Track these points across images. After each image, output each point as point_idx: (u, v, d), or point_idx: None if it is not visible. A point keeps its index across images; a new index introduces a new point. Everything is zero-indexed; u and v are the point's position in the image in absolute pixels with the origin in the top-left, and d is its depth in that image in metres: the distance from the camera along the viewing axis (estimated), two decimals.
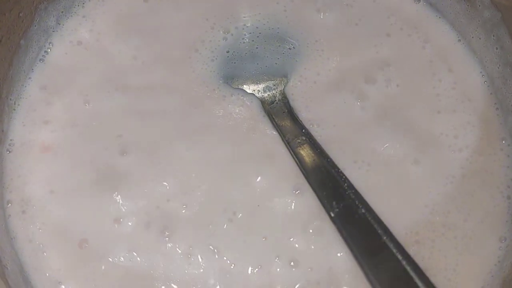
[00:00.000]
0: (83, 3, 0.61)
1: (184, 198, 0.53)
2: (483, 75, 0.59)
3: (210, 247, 0.52)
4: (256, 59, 0.59)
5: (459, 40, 0.61)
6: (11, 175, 0.54)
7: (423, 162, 0.55)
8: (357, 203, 0.50)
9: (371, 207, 0.50)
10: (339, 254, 0.51)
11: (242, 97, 0.57)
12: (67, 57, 0.59)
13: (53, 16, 0.59)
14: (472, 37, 0.60)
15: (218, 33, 0.60)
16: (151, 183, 0.54)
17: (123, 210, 0.53)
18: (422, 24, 0.61)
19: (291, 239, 0.52)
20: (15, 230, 0.53)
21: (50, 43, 0.59)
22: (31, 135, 0.56)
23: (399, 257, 0.47)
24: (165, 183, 0.54)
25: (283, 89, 0.58)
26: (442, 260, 0.52)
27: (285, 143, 0.55)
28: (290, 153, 0.54)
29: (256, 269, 0.51)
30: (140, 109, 0.56)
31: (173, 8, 0.61)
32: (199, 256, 0.52)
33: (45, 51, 0.59)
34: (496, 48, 0.58)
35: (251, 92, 0.58)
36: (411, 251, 0.50)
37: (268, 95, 0.58)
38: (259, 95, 0.58)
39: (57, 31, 0.60)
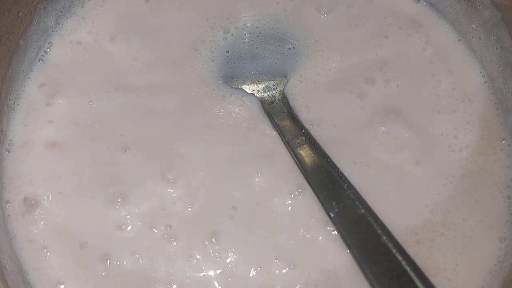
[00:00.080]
0: (83, 3, 0.61)
1: (185, 199, 0.53)
2: (483, 75, 0.59)
3: (211, 249, 0.52)
4: (255, 59, 0.59)
5: (459, 40, 0.61)
6: (10, 175, 0.54)
7: (423, 162, 0.55)
8: (356, 203, 0.50)
9: (371, 207, 0.50)
10: (338, 255, 0.51)
11: (241, 97, 0.57)
12: (67, 57, 0.59)
13: (52, 16, 0.59)
14: (472, 37, 0.60)
15: (218, 33, 0.60)
16: (152, 184, 0.54)
17: (125, 211, 0.53)
18: (422, 24, 0.61)
19: (291, 240, 0.52)
20: (15, 230, 0.52)
21: (49, 43, 0.59)
22: (30, 135, 0.55)
23: (399, 257, 0.47)
24: (165, 183, 0.54)
25: (283, 89, 0.58)
26: (442, 260, 0.52)
27: (284, 143, 0.55)
28: (290, 153, 0.54)
29: (256, 270, 0.51)
30: (140, 109, 0.56)
31: (173, 8, 0.61)
32: (200, 258, 0.51)
33: (44, 51, 0.59)
34: (496, 48, 0.58)
35: (250, 92, 0.58)
36: (411, 251, 0.50)
37: (268, 95, 0.58)
38: (258, 95, 0.57)
39: (56, 31, 0.60)
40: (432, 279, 0.47)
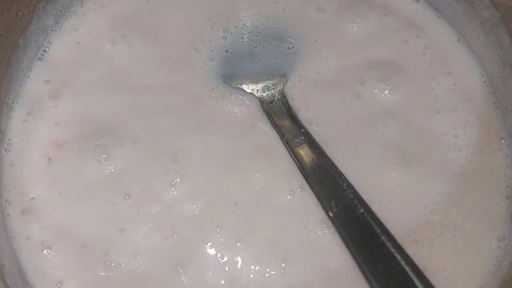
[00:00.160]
0: (82, 2, 0.61)
1: (187, 198, 0.53)
2: (482, 74, 0.59)
3: (211, 249, 0.52)
4: (255, 59, 0.59)
5: (459, 40, 0.61)
6: (10, 175, 0.54)
7: (422, 161, 0.55)
8: (355, 202, 0.50)
9: (370, 206, 0.50)
10: (337, 254, 0.51)
11: (241, 97, 0.57)
12: (66, 56, 0.59)
13: (52, 16, 0.59)
14: (472, 37, 0.60)
15: (217, 32, 0.60)
16: (153, 184, 0.53)
17: (125, 210, 0.53)
18: (421, 24, 0.61)
19: (290, 239, 0.52)
20: (14, 230, 0.52)
21: (48, 42, 0.59)
22: (29, 134, 0.55)
23: (398, 256, 0.47)
24: (167, 183, 0.53)
25: (282, 88, 0.58)
26: (441, 259, 0.52)
27: (284, 143, 0.55)
28: (289, 152, 0.54)
29: (256, 269, 0.51)
30: (140, 109, 0.56)
31: (173, 8, 0.61)
32: (201, 260, 0.51)
33: (43, 50, 0.59)
34: (495, 48, 0.58)
35: (250, 91, 0.58)
36: (410, 250, 0.50)
37: (267, 94, 0.58)
38: (258, 94, 0.57)
39: (55, 30, 0.60)
40: (431, 278, 0.47)
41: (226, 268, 0.51)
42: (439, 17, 0.62)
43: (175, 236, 0.52)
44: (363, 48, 0.60)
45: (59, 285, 0.51)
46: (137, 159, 0.54)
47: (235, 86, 0.58)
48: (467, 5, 0.59)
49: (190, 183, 0.54)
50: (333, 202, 0.51)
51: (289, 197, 0.53)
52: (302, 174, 0.53)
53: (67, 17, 0.60)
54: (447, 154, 0.56)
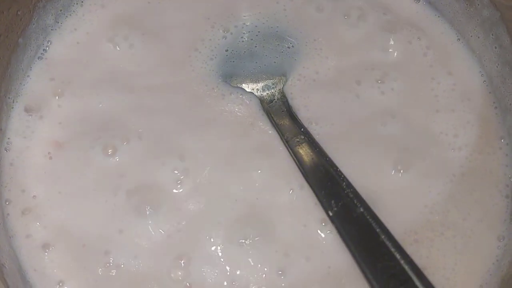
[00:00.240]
0: (82, 2, 0.61)
1: (188, 198, 0.53)
2: (482, 74, 0.59)
3: (212, 248, 0.52)
4: (255, 58, 0.59)
5: (458, 39, 0.61)
6: (10, 174, 0.54)
7: (422, 161, 0.55)
8: (355, 202, 0.50)
9: (369, 206, 0.50)
10: (337, 253, 0.51)
11: (241, 96, 0.57)
12: (66, 55, 0.59)
13: (52, 15, 0.59)
14: (471, 36, 0.60)
15: (218, 32, 0.60)
16: (153, 184, 0.53)
17: (125, 210, 0.52)
18: (421, 23, 0.61)
19: (290, 238, 0.52)
20: (14, 229, 0.52)
21: (48, 41, 0.59)
22: (29, 134, 0.55)
23: (397, 256, 0.47)
24: (168, 183, 0.53)
25: (282, 87, 0.58)
26: (441, 259, 0.52)
27: (283, 142, 0.55)
28: (289, 152, 0.54)
29: (256, 269, 0.51)
30: (140, 108, 0.56)
31: (173, 8, 0.61)
32: (201, 259, 0.51)
33: (43, 50, 0.59)
34: (495, 47, 0.58)
35: (250, 90, 0.58)
36: (410, 250, 0.50)
37: (267, 94, 0.58)
38: (258, 93, 0.58)
39: (55, 29, 0.60)
40: (431, 277, 0.47)
41: (227, 267, 0.51)
42: (438, 16, 0.62)
43: (175, 236, 0.52)
44: (362, 48, 0.60)
45: (59, 284, 0.51)
46: (138, 158, 0.54)
47: (235, 86, 0.58)
48: (466, 4, 0.59)
49: (190, 182, 0.54)
50: (333, 201, 0.51)
51: (289, 196, 0.53)
52: (302, 173, 0.53)
53: (67, 17, 0.60)
54: (447, 154, 0.56)
